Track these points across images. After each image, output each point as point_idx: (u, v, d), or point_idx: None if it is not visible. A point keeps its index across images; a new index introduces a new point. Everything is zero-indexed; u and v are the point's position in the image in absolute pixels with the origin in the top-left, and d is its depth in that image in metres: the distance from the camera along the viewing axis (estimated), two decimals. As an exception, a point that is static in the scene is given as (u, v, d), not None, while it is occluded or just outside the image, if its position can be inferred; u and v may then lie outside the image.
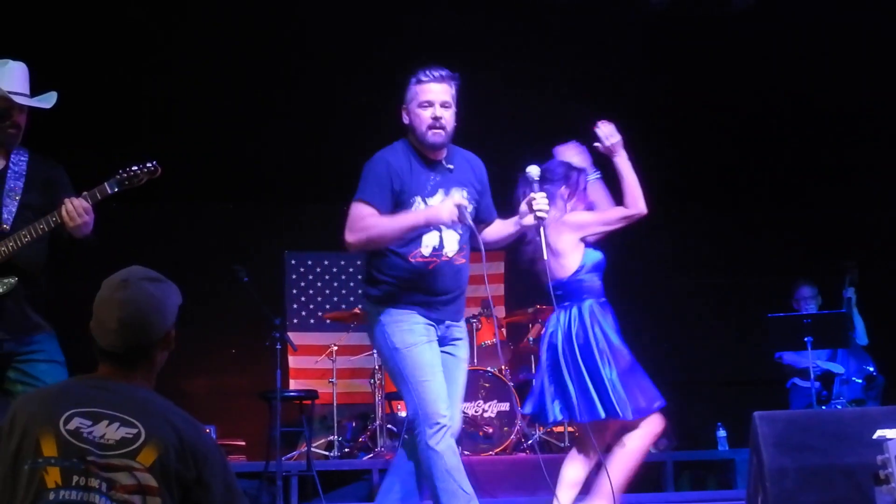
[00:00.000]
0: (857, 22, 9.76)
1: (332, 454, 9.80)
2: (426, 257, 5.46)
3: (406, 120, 5.50)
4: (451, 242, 5.51)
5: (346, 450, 9.88)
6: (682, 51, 10.31)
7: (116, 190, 5.31)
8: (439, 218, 5.27)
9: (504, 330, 10.71)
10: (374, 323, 5.49)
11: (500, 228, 5.82)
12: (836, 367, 9.97)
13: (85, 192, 5.25)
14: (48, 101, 5.41)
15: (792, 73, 10.42)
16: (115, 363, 3.36)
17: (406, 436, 5.58)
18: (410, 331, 5.38)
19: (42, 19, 9.05)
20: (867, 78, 10.40)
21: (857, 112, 10.73)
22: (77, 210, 5.16)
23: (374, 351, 9.62)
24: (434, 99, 5.42)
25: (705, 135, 10.99)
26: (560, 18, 10.02)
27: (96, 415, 3.14)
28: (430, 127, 5.39)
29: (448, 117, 5.44)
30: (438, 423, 5.24)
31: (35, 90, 5.38)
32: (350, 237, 5.36)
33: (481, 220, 5.72)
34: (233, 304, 10.59)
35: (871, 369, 9.88)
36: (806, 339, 9.41)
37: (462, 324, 5.71)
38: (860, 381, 9.87)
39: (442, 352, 5.51)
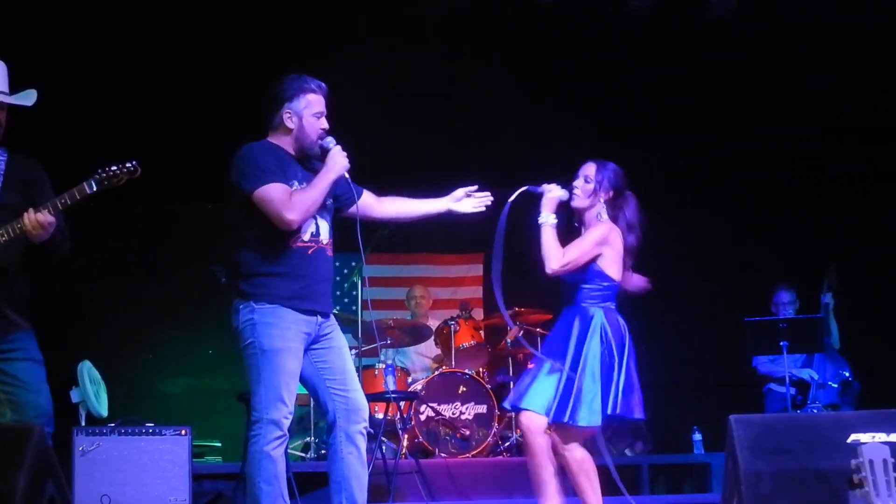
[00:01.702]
0: (834, 23, 9.80)
1: (308, 455, 9.79)
2: (306, 242, 5.57)
3: (292, 123, 5.66)
4: (325, 230, 5.67)
5: (323, 451, 9.86)
6: (668, 54, 10.33)
7: (95, 189, 5.31)
8: (343, 166, 5.58)
9: (482, 332, 10.72)
10: (243, 318, 5.53)
11: (409, 205, 6.29)
12: (810, 374, 10.02)
13: (55, 199, 5.25)
14: (28, 98, 5.40)
15: (774, 76, 10.45)
16: None
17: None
18: (281, 336, 5.44)
19: (20, 17, 9.02)
20: (847, 79, 10.43)
21: (836, 115, 10.77)
22: (34, 224, 5.16)
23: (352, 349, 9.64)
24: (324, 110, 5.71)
25: (685, 139, 11.01)
26: (540, 20, 10.03)
27: None
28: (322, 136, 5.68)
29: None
30: (281, 432, 5.37)
31: (14, 88, 5.37)
32: (292, 215, 5.42)
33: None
34: (211, 305, 10.56)
35: (847, 374, 9.93)
36: (782, 343, 9.47)
37: (332, 316, 5.79)
38: (836, 385, 9.92)
39: (319, 349, 5.63)
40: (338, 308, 11.46)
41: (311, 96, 5.66)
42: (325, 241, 5.68)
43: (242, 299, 5.57)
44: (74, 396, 8.51)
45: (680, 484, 9.96)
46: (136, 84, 9.93)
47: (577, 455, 6.09)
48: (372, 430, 9.48)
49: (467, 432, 9.74)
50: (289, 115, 5.64)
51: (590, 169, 6.33)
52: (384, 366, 9.84)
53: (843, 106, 10.66)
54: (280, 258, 5.51)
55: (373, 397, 9.31)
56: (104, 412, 8.57)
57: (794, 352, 9.69)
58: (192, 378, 11.55)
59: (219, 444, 9.86)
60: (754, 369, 10.42)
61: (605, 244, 6.27)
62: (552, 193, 6.26)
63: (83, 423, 8.34)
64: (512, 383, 10.45)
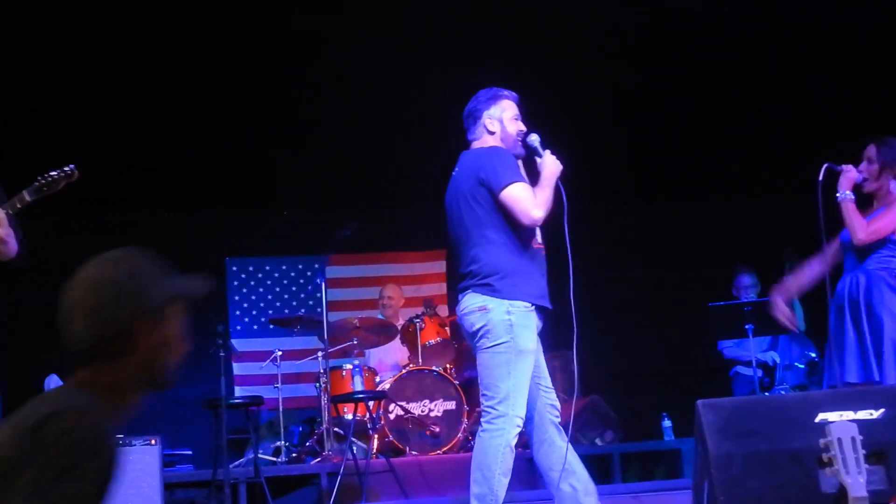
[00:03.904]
0: (790, 13, 9.84)
1: (279, 460, 9.77)
2: (539, 244, 5.90)
3: (494, 127, 6.03)
4: (538, 232, 5.95)
5: (294, 455, 9.85)
6: (627, 41, 10.34)
7: (35, 197, 5.28)
8: (560, 168, 5.88)
9: (447, 329, 10.72)
10: (498, 317, 5.70)
11: None
12: (772, 357, 10.08)
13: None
14: None
15: (731, 63, 10.47)
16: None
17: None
18: (532, 338, 5.75)
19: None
20: (808, 67, 10.47)
21: (795, 100, 10.82)
22: None
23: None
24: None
25: (645, 126, 11.04)
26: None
27: None
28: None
29: None
30: (519, 427, 5.64)
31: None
32: (538, 212, 5.72)
33: None
34: (176, 313, 10.53)
35: (814, 355, 9.99)
36: (747, 326, 9.50)
37: None
38: (802, 366, 9.98)
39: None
40: (303, 310, 11.47)
41: (504, 102, 6.06)
42: (541, 241, 5.96)
43: (495, 297, 5.72)
44: (42, 411, 8.45)
45: (652, 470, 9.99)
46: (92, 92, 9.85)
47: None
48: (342, 432, 9.54)
49: (437, 429, 9.74)
50: (490, 120, 6.04)
51: (871, 151, 6.84)
52: (352, 366, 9.84)
53: (803, 91, 10.70)
54: (528, 258, 5.80)
55: (341, 398, 9.33)
56: (72, 425, 8.52)
57: (759, 334, 9.72)
58: (159, 387, 11.49)
59: (189, 452, 9.82)
60: (720, 354, 10.48)
61: None
62: (850, 173, 6.79)
63: (52, 438, 8.29)
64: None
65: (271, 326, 11.09)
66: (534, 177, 5.95)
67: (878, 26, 9.82)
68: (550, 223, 5.92)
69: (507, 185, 5.68)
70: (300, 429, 10.52)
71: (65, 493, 2.56)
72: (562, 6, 9.57)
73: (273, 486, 8.37)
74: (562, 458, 5.78)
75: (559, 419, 5.89)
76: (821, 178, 6.73)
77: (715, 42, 10.18)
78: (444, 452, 9.66)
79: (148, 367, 3.00)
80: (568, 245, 5.83)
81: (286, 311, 11.88)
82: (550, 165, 5.87)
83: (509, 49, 9.88)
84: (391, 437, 9.66)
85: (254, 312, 12.05)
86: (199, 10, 9.09)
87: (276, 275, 12.22)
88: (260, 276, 12.18)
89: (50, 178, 5.33)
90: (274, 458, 9.88)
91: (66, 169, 5.37)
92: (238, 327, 11.93)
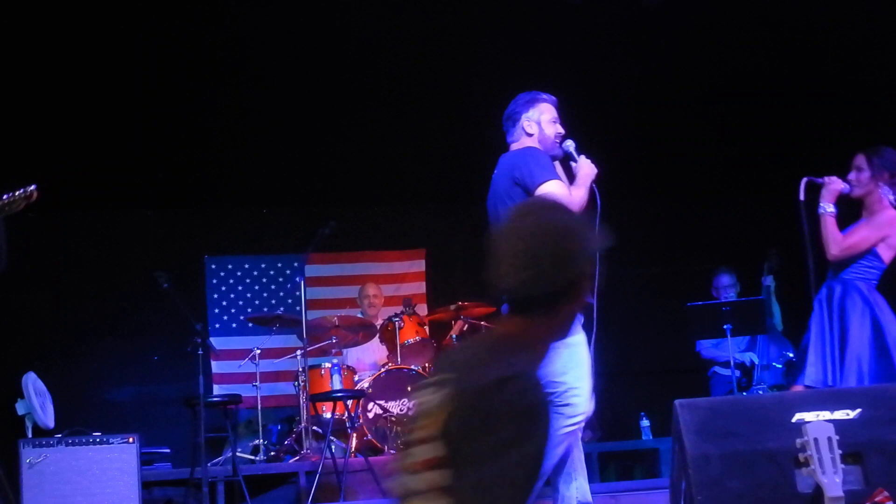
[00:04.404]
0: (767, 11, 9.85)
1: (258, 458, 9.76)
2: None
3: (532, 129, 6.11)
4: None
5: (273, 453, 9.84)
6: (604, 44, 10.33)
7: None
8: (594, 171, 6.09)
9: (426, 328, 10.73)
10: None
11: None
12: (750, 358, 10.11)
13: None
14: None
15: (714, 62, 10.47)
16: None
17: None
18: (577, 329, 5.79)
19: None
20: (790, 63, 10.46)
21: (778, 100, 10.82)
22: None
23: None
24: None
25: (623, 124, 11.03)
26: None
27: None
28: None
29: None
30: (584, 418, 5.80)
31: None
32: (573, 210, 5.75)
33: None
34: (155, 312, 10.53)
35: (791, 355, 9.99)
36: (725, 326, 9.54)
37: None
38: (780, 366, 10.00)
39: None
40: (281, 309, 11.46)
41: (543, 105, 6.16)
42: None
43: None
44: (20, 409, 8.44)
45: (630, 470, 10.02)
46: (71, 92, 9.82)
47: None
48: (320, 430, 9.53)
49: (416, 428, 9.73)
50: (528, 122, 6.12)
51: (860, 159, 6.86)
52: (330, 365, 9.84)
53: (783, 89, 10.70)
54: None
55: (320, 397, 9.33)
56: (51, 423, 8.51)
57: (737, 334, 9.76)
58: (137, 385, 11.49)
59: (167, 451, 9.81)
60: (698, 354, 10.50)
61: (887, 228, 6.78)
62: (833, 185, 6.81)
63: (30, 436, 8.27)
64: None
65: (250, 325, 11.08)
66: (568, 181, 6.05)
67: (857, 30, 9.83)
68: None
69: (542, 183, 5.74)
70: (278, 427, 10.51)
71: (520, 457, 2.61)
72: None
73: (251, 484, 8.36)
74: (571, 460, 5.89)
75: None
76: (802, 196, 6.85)
77: (697, 42, 10.19)
78: (423, 451, 9.64)
79: (570, 319, 2.96)
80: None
81: (265, 309, 11.86)
82: (586, 168, 6.05)
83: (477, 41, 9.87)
84: (370, 436, 9.66)
85: (233, 311, 12.04)
86: (182, 11, 9.06)
87: (255, 273, 12.20)
88: (239, 274, 12.16)
89: (9, 199, 5.31)
90: (252, 457, 9.86)
91: (25, 190, 5.34)
92: (217, 325, 11.92)
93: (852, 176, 6.89)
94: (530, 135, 6.09)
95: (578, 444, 5.98)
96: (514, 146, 6.15)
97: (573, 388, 5.68)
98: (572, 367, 5.68)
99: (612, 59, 10.40)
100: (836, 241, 6.79)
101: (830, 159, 7.11)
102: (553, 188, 5.74)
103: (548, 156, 5.98)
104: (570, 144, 6.15)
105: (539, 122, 6.11)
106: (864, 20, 9.67)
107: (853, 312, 6.70)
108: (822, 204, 6.86)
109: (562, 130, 6.15)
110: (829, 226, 6.82)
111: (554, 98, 6.20)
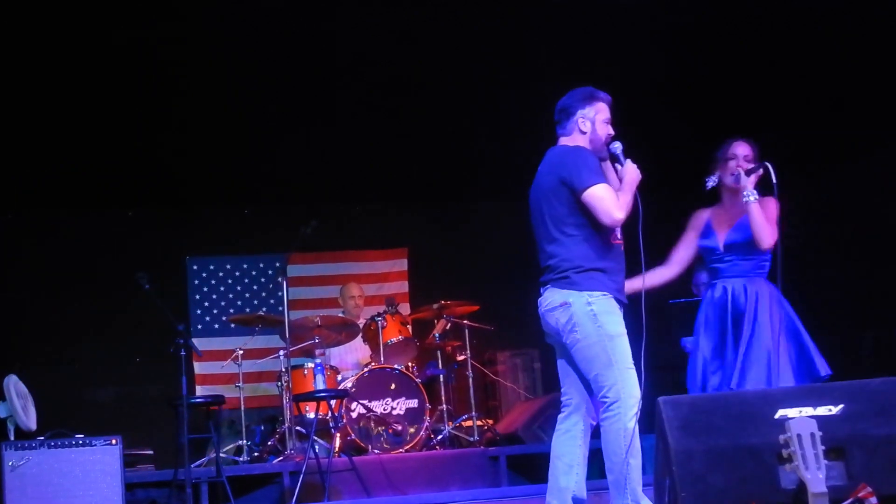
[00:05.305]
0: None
1: (241, 459, 9.75)
2: (619, 240, 6.07)
3: (585, 127, 6.12)
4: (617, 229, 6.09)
5: (256, 454, 9.83)
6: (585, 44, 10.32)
7: None
8: (639, 177, 6.10)
9: (409, 327, 10.73)
10: (581, 310, 5.89)
11: None
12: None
13: None
14: None
15: (686, 56, 10.46)
16: None
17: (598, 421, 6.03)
18: (620, 322, 6.01)
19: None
20: (783, 57, 10.45)
21: (753, 94, 10.82)
22: None
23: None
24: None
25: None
26: None
27: None
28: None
29: None
30: (636, 407, 5.91)
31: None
32: (620, 214, 5.88)
33: None
34: (136, 313, 10.49)
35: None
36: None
37: None
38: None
39: None
40: (264, 309, 11.44)
41: (599, 104, 6.15)
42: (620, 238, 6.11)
43: (574, 290, 5.90)
44: (1, 411, 8.40)
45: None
46: (49, 92, 9.78)
47: None
48: (304, 431, 9.53)
49: (399, 427, 9.74)
50: (582, 120, 6.12)
51: (744, 148, 6.88)
52: (313, 365, 9.82)
53: (761, 84, 10.71)
54: (608, 254, 5.98)
55: (303, 397, 9.32)
56: (33, 426, 8.47)
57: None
58: (120, 387, 11.47)
59: (150, 452, 9.79)
60: (682, 350, 10.49)
61: None
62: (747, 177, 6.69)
63: (12, 438, 8.24)
64: (441, 377, 10.49)
65: (232, 325, 11.08)
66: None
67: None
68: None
69: (590, 186, 5.80)
70: (262, 428, 10.49)
71: None
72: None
73: (235, 485, 8.35)
74: (575, 454, 6.10)
75: (596, 421, 6.08)
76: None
77: (683, 42, 10.19)
78: (407, 451, 9.66)
79: None
80: (641, 250, 6.06)
81: (247, 309, 11.85)
82: (632, 172, 6.06)
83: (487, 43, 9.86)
84: (353, 436, 9.65)
85: (214, 311, 12.02)
86: (161, 9, 9.02)
87: (237, 273, 12.20)
88: (220, 274, 12.15)
89: None
90: (236, 458, 9.86)
91: None
92: (199, 326, 11.91)
93: (742, 165, 6.83)
94: (583, 132, 6.12)
95: (586, 440, 6.12)
96: (564, 140, 6.17)
97: (608, 385, 5.89)
98: (618, 359, 5.92)
99: (593, 58, 10.39)
100: (773, 234, 6.66)
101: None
102: (601, 192, 5.82)
103: (596, 158, 6.02)
104: (617, 146, 6.15)
105: (594, 120, 6.11)
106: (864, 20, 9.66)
107: (763, 314, 6.80)
108: (749, 190, 6.69)
109: (612, 132, 6.16)
110: (762, 214, 6.66)
111: (609, 97, 6.21)
